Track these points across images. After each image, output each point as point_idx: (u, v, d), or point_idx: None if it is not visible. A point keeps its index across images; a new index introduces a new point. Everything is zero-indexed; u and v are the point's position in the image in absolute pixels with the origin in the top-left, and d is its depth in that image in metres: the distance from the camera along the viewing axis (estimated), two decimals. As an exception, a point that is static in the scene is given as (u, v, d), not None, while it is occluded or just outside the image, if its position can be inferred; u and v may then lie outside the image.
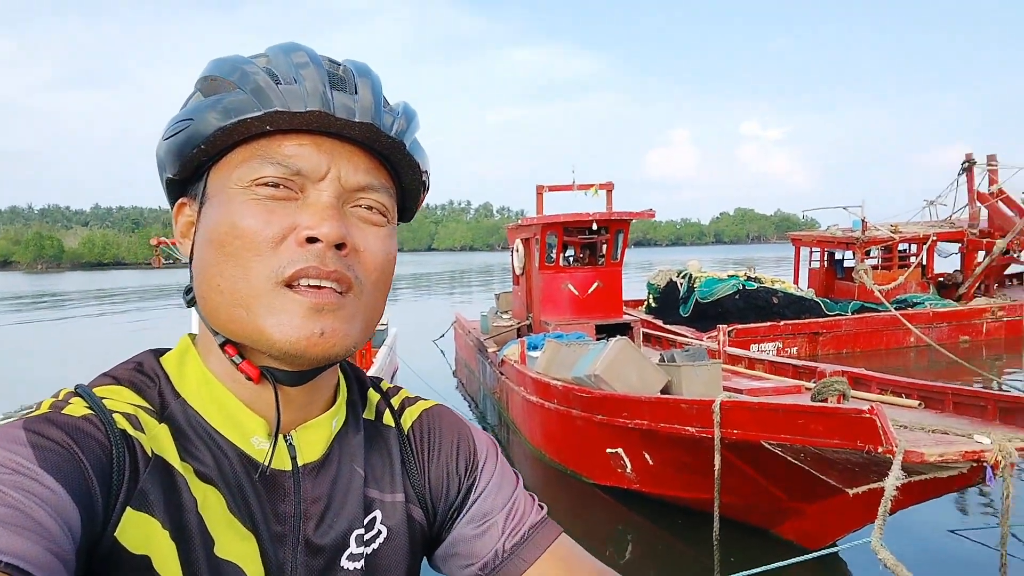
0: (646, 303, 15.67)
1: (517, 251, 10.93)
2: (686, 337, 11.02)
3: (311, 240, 0.63)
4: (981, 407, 5.06)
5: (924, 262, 16.07)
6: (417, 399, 0.86)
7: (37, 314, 29.55)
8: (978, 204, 16.64)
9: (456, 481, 0.80)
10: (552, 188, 11.71)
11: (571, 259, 10.57)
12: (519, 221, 10.94)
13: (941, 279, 16.56)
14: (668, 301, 14.70)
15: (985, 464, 4.07)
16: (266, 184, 0.64)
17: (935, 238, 16.08)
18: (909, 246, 16.15)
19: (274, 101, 0.63)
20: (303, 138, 0.65)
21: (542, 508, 0.82)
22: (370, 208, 0.68)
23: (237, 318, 0.63)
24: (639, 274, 26.64)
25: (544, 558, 0.77)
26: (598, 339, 8.25)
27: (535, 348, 8.36)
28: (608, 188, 11.44)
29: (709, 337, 10.96)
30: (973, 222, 16.67)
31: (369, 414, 0.80)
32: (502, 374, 8.91)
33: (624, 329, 9.54)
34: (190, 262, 0.70)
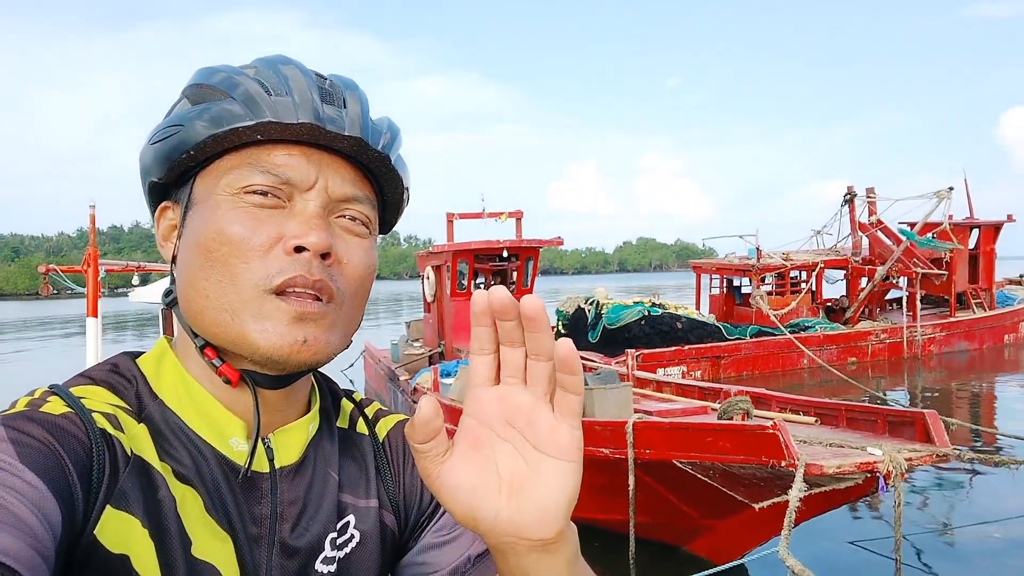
0: (555, 330, 15.90)
1: (428, 278, 10.90)
2: (595, 363, 11.23)
3: (298, 249, 0.64)
4: (872, 421, 5.38)
5: (813, 288, 17.03)
6: (390, 411, 0.87)
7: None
8: (860, 234, 17.83)
9: (429, 491, 0.80)
10: (462, 216, 11.79)
11: (482, 286, 10.63)
12: (430, 248, 10.94)
13: (829, 304, 17.57)
14: (577, 327, 14.96)
15: (878, 474, 4.33)
16: (254, 192, 0.65)
17: (823, 265, 17.08)
18: (800, 273, 17.09)
19: (266, 112, 0.65)
20: (293, 148, 0.67)
21: None
22: (354, 219, 0.70)
23: (221, 322, 0.64)
24: (547, 301, 27.00)
25: None
26: (511, 365, 8.28)
27: (448, 375, 8.32)
28: (517, 216, 11.61)
29: (617, 362, 11.19)
30: (856, 250, 17.83)
31: (342, 422, 0.81)
32: (414, 402, 8.81)
33: (536, 355, 9.63)
34: (171, 265, 0.71)
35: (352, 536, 0.74)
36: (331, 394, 0.83)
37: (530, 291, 10.36)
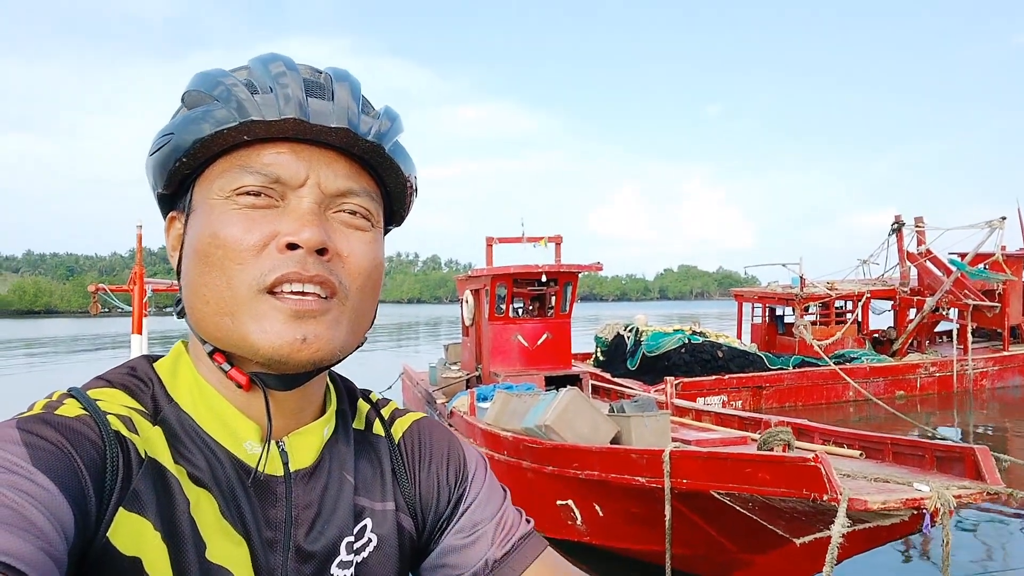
0: (594, 356, 15.78)
1: (467, 302, 10.94)
2: (634, 389, 11.11)
3: (291, 246, 0.63)
4: (919, 456, 5.20)
5: (859, 318, 16.64)
6: (407, 411, 0.86)
7: (-41, 364, 28.07)
8: (908, 264, 17.41)
9: (446, 491, 0.80)
10: (502, 240, 11.83)
11: (520, 310, 10.63)
12: (469, 272, 11.00)
13: (876, 335, 17.15)
14: (616, 354, 14.82)
15: (925, 512, 4.18)
16: (247, 193, 0.65)
17: (869, 295, 16.70)
18: (845, 303, 16.72)
19: (250, 111, 0.64)
20: (281, 146, 0.66)
21: (529, 522, 0.82)
22: (353, 213, 0.69)
23: (223, 326, 0.64)
24: (586, 328, 26.85)
25: (533, 568, 0.77)
26: (548, 390, 8.25)
27: (485, 399, 8.30)
28: (557, 241, 11.62)
29: (656, 390, 11.05)
30: (904, 280, 17.40)
31: (359, 424, 0.81)
32: (451, 425, 8.81)
33: (573, 380, 9.57)
34: (178, 274, 0.70)
35: (369, 540, 0.73)
36: (348, 394, 0.82)
37: (568, 316, 10.34)
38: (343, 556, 0.70)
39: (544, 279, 10.02)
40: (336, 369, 0.74)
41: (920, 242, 17.19)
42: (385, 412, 0.84)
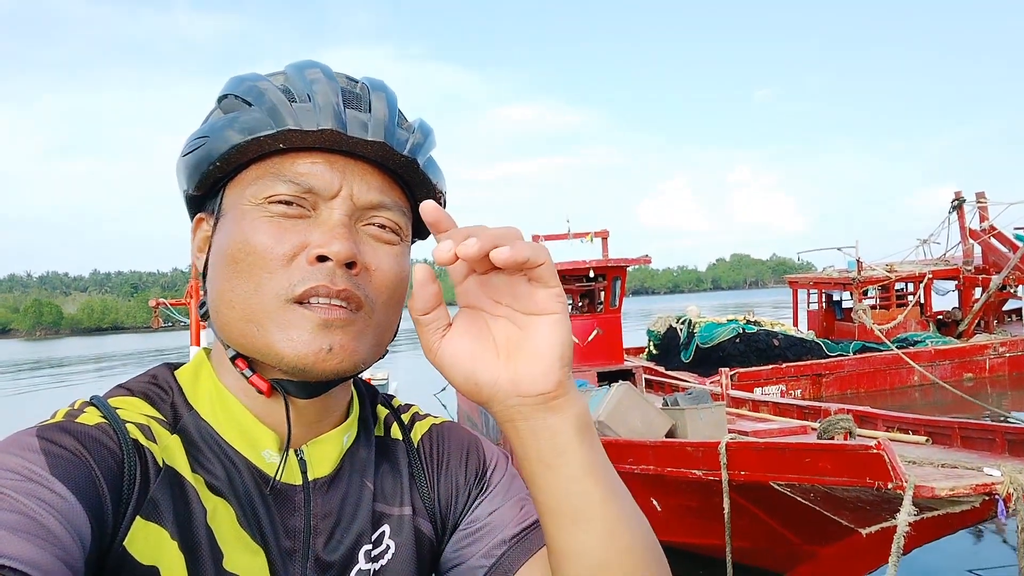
0: (647, 350, 15.63)
1: (516, 301, 10.95)
2: (688, 382, 10.95)
3: (321, 259, 0.63)
4: (989, 440, 5.00)
5: (922, 300, 16.10)
6: (427, 415, 0.85)
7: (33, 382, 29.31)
8: (971, 241, 16.77)
9: (465, 491, 0.79)
10: (548, 237, 11.80)
11: (569, 307, 10.58)
12: (517, 271, 10.99)
13: (940, 317, 16.56)
14: (669, 347, 14.66)
15: (997, 497, 4.02)
16: (279, 202, 0.64)
17: (931, 276, 16.13)
18: (906, 285, 16.20)
19: (287, 120, 0.63)
20: (316, 156, 0.65)
21: None
22: (383, 226, 0.68)
23: (248, 333, 0.64)
24: (638, 322, 26.63)
25: (534, 560, 0.72)
26: (600, 386, 8.20)
27: (537, 397, 8.28)
28: (603, 236, 11.53)
29: (712, 382, 10.89)
30: (967, 259, 16.75)
31: (379, 430, 0.80)
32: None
33: (626, 376, 9.50)
34: (204, 276, 0.70)
35: (387, 547, 0.72)
36: (370, 400, 0.81)
37: (618, 311, 10.25)
38: (361, 565, 0.70)
39: (592, 275, 9.96)
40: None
41: (983, 218, 16.55)
42: (405, 417, 0.83)
